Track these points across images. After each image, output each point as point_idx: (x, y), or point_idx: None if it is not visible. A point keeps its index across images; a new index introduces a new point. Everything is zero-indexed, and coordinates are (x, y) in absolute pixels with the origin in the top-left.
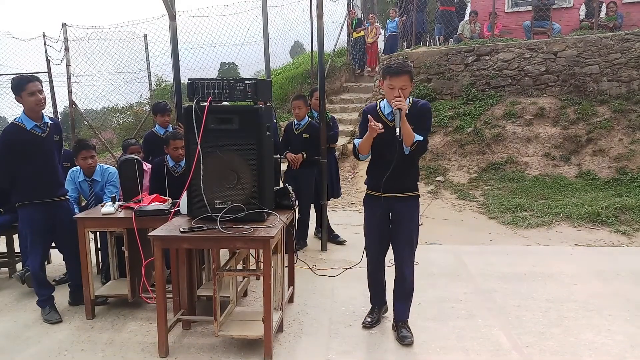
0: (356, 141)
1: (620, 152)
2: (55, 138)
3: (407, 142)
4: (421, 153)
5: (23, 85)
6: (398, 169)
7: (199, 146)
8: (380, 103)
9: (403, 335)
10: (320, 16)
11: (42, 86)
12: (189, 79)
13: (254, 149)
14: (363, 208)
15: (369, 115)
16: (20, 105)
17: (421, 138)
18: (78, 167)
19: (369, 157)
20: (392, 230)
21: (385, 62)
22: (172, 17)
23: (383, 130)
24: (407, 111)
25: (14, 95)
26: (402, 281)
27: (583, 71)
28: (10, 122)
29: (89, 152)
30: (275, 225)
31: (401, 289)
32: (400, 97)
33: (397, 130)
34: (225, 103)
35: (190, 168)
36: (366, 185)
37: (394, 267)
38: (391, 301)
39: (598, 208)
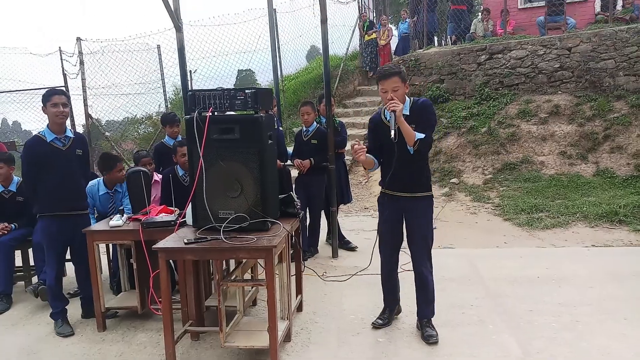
0: None
1: (639, 149)
2: (78, 152)
3: (409, 142)
4: (426, 151)
5: (49, 97)
6: (404, 170)
7: (201, 157)
8: (385, 110)
9: (428, 335)
10: (324, 21)
11: (67, 100)
12: (189, 91)
13: (256, 158)
14: (377, 208)
15: (367, 136)
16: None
17: (422, 136)
18: (96, 181)
19: (378, 167)
20: (407, 231)
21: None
22: (178, 29)
23: (364, 149)
24: (408, 112)
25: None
26: (421, 281)
27: (598, 66)
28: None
29: (121, 165)
30: (278, 234)
31: (421, 288)
32: (393, 100)
33: (392, 132)
34: (231, 113)
35: (194, 179)
36: (380, 186)
37: (408, 271)
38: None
39: (616, 207)
